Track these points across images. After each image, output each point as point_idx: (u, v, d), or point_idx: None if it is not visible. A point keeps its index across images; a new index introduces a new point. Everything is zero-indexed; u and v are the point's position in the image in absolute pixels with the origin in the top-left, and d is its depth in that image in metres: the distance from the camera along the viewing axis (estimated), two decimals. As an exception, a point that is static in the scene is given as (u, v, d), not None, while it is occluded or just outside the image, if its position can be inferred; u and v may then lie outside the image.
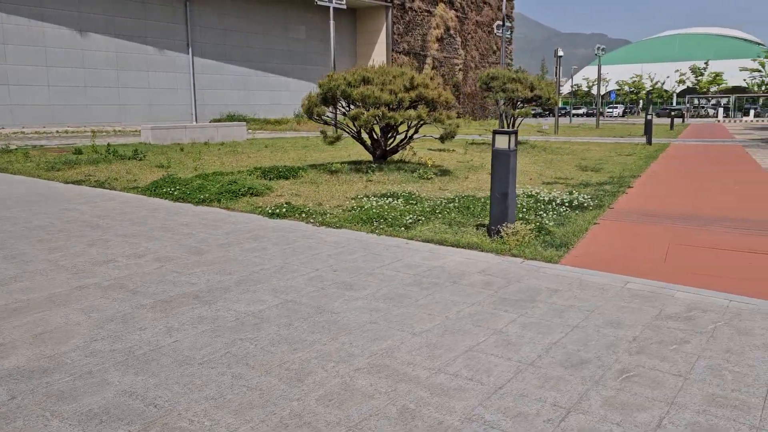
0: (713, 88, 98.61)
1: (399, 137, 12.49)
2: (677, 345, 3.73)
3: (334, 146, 15.37)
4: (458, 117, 41.11)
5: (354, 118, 10.44)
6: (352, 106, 10.84)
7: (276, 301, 4.48)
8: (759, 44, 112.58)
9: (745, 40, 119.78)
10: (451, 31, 45.29)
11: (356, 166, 11.70)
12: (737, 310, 4.34)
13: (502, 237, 6.11)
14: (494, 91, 17.95)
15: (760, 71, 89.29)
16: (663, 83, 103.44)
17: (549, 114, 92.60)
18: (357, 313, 4.24)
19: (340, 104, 11.10)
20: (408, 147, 13.31)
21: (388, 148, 12.13)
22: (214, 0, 33.45)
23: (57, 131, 27.34)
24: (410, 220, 6.93)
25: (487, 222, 6.83)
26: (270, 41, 37.11)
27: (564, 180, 11.86)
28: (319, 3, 22.51)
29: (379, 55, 41.13)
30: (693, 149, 20.83)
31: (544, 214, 7.52)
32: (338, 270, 5.31)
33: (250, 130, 26.40)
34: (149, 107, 30.96)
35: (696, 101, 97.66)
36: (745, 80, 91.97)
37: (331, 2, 22.61)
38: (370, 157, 12.86)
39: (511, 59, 54.47)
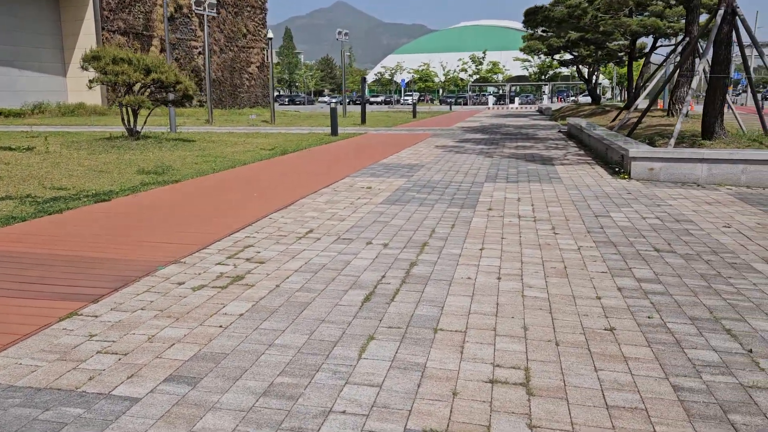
0: (500, 77, 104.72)
1: None
2: None
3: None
4: (201, 106, 36.61)
5: None
6: None
7: None
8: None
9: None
10: (185, 11, 40.89)
11: None
12: None
13: None
14: (100, 74, 14.43)
15: (530, 61, 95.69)
16: (456, 72, 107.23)
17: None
18: None
19: None
20: None
21: None
22: None
23: None
24: None
25: None
26: None
27: (41, 190, 8.73)
28: None
29: (87, 34, 35.50)
30: (371, 140, 19.18)
31: None
32: None
33: None
34: None
35: (477, 89, 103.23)
36: (527, 69, 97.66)
37: None
38: None
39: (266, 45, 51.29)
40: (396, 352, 3.38)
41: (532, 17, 20.67)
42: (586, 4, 21.42)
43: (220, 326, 3.73)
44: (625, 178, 10.40)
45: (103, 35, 35.46)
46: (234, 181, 9.96)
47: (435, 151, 15.60)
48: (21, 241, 5.76)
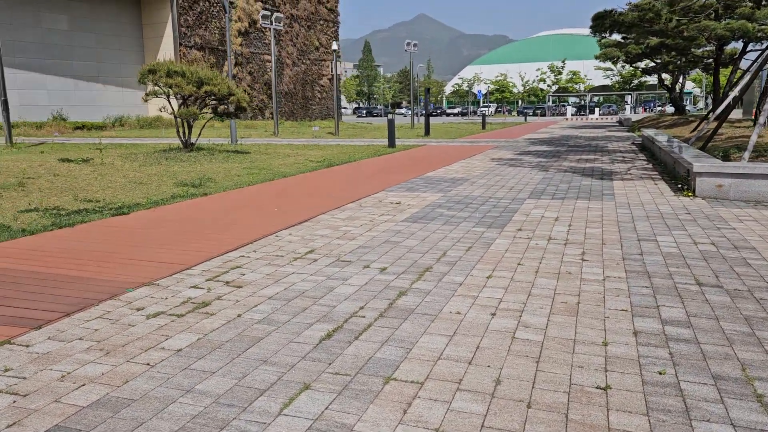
0: (581, 86, 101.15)
1: None
2: None
3: None
4: (272, 118, 37.29)
5: None
6: None
7: None
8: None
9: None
10: (259, 25, 41.89)
11: None
12: None
13: None
14: (157, 86, 14.71)
15: (612, 70, 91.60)
16: (535, 82, 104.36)
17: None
18: None
19: None
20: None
21: None
22: None
23: None
24: None
25: None
26: (17, 33, 32.01)
27: (71, 202, 8.78)
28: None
29: (167, 50, 37.01)
30: (426, 152, 18.67)
31: None
32: None
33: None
34: None
35: (556, 100, 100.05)
36: (610, 78, 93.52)
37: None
38: None
39: (339, 55, 52.00)
40: (326, 408, 2.84)
41: (600, 22, 19.50)
42: (661, 7, 20.02)
43: (148, 364, 3.32)
44: (688, 196, 9.34)
45: (180, 50, 36.90)
46: (264, 195, 9.70)
47: (488, 164, 14.87)
48: (9, 257, 5.63)
